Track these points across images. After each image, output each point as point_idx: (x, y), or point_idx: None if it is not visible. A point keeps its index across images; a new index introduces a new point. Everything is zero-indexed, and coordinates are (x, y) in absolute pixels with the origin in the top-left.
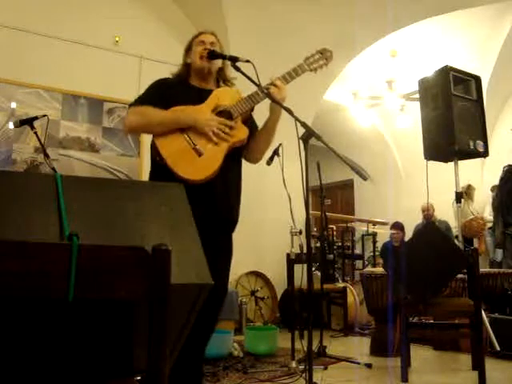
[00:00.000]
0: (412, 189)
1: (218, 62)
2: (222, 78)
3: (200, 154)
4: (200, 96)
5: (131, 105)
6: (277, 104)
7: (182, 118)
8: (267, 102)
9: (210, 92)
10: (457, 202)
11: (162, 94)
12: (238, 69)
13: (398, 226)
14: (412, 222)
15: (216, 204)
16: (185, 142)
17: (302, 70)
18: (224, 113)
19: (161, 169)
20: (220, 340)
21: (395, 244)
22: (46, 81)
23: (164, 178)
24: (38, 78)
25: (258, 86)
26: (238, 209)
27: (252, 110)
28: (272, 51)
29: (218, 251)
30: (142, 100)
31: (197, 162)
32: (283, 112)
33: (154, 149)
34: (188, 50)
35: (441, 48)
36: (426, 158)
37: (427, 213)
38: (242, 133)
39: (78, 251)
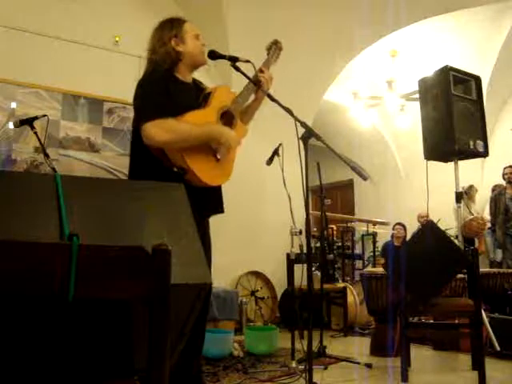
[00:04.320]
0: (412, 189)
1: None
2: None
3: (218, 160)
4: (191, 92)
5: (150, 117)
6: (275, 102)
7: (211, 135)
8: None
9: (193, 86)
10: (457, 202)
11: (168, 98)
12: (237, 69)
13: (401, 224)
14: (412, 222)
15: (219, 201)
16: (206, 149)
17: (270, 63)
18: (227, 113)
19: (150, 171)
20: (220, 340)
21: (396, 241)
22: (46, 81)
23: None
24: (38, 78)
25: (258, 86)
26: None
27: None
28: None
29: (208, 243)
30: (159, 111)
31: (217, 168)
32: (283, 112)
33: (176, 159)
34: (178, 35)
35: (441, 48)
36: (426, 157)
37: (425, 219)
38: (243, 132)
39: (77, 251)
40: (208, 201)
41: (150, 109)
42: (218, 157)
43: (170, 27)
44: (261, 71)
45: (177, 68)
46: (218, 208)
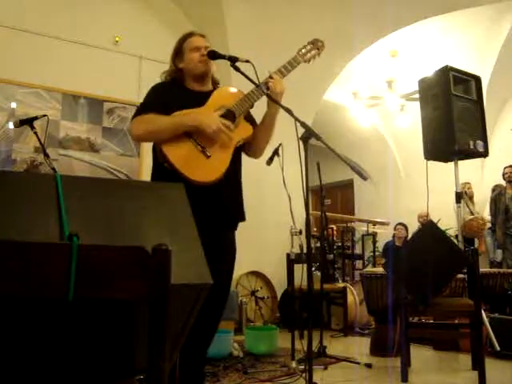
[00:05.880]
0: (412, 189)
1: (214, 65)
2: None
3: (208, 157)
4: (199, 99)
5: (135, 115)
6: (276, 104)
7: (186, 122)
8: (264, 97)
9: (208, 94)
10: (457, 202)
11: (162, 100)
12: (237, 69)
13: (402, 224)
14: (412, 222)
15: (224, 204)
16: (192, 145)
17: (297, 62)
18: (227, 113)
19: (165, 172)
20: (220, 340)
21: (398, 240)
22: (46, 81)
23: (169, 180)
24: (38, 78)
25: (258, 86)
26: (243, 206)
27: (251, 106)
28: (272, 51)
29: (226, 250)
30: (144, 108)
31: (206, 165)
32: (283, 112)
33: (160, 155)
34: (178, 53)
35: (441, 48)
36: (426, 157)
37: (425, 219)
38: (247, 131)
39: (77, 251)
40: (226, 209)
41: (137, 109)
42: (208, 154)
43: (175, 46)
44: (270, 77)
45: (184, 80)
46: (238, 217)
